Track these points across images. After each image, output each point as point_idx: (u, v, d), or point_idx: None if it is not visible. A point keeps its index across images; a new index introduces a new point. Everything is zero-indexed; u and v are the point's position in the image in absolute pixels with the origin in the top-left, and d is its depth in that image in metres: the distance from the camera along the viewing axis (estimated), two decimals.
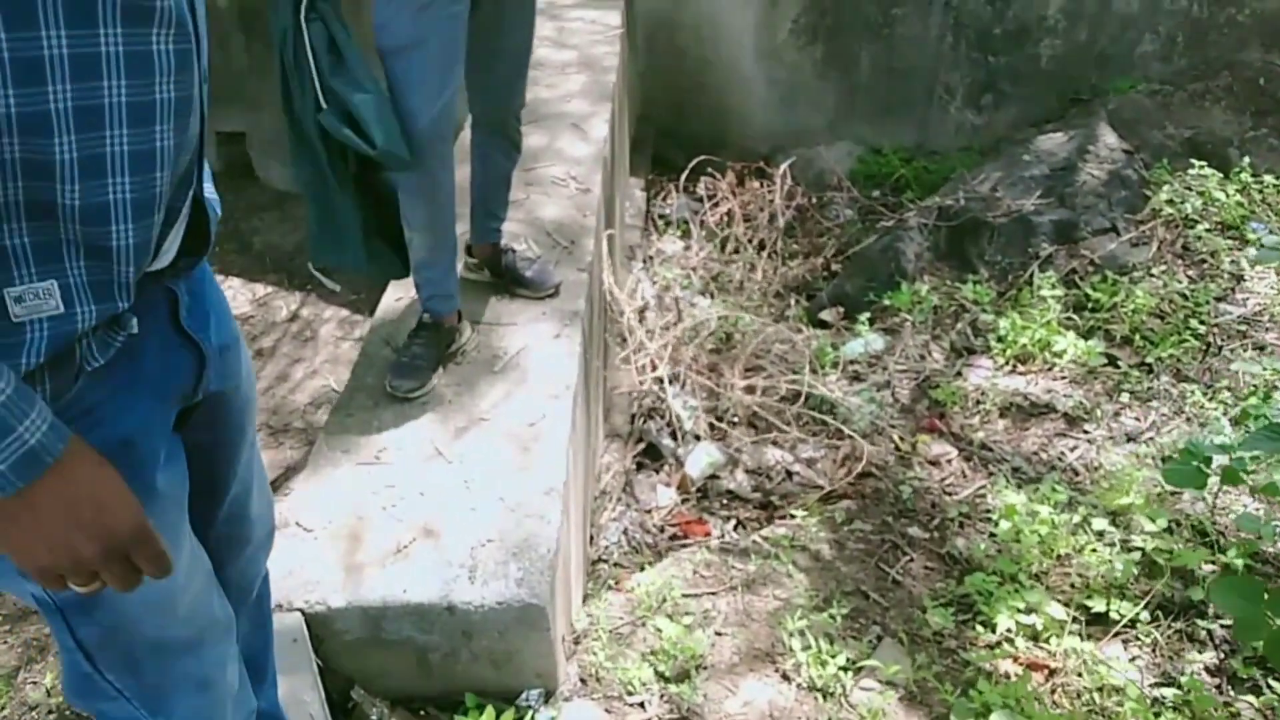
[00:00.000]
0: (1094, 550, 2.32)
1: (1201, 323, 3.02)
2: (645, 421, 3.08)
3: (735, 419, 3.08)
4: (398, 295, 2.44)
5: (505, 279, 2.45)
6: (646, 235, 4.33)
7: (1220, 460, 1.97)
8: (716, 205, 4.26)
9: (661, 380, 3.08)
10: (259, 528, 1.24)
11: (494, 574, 1.67)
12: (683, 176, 4.38)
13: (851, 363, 3.23)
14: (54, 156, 0.73)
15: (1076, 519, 2.42)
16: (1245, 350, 2.95)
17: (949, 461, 2.79)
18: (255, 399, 1.16)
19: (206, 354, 0.99)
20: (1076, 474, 2.69)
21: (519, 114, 2.35)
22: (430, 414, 2.05)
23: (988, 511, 2.55)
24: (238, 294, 5.18)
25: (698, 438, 3.04)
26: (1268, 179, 3.39)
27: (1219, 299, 3.10)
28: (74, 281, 0.79)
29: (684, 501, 2.84)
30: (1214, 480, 1.96)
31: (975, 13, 4.17)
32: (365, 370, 2.19)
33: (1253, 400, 2.65)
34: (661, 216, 4.48)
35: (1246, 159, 3.43)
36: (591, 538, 2.65)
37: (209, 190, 1.00)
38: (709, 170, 4.44)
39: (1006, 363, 3.10)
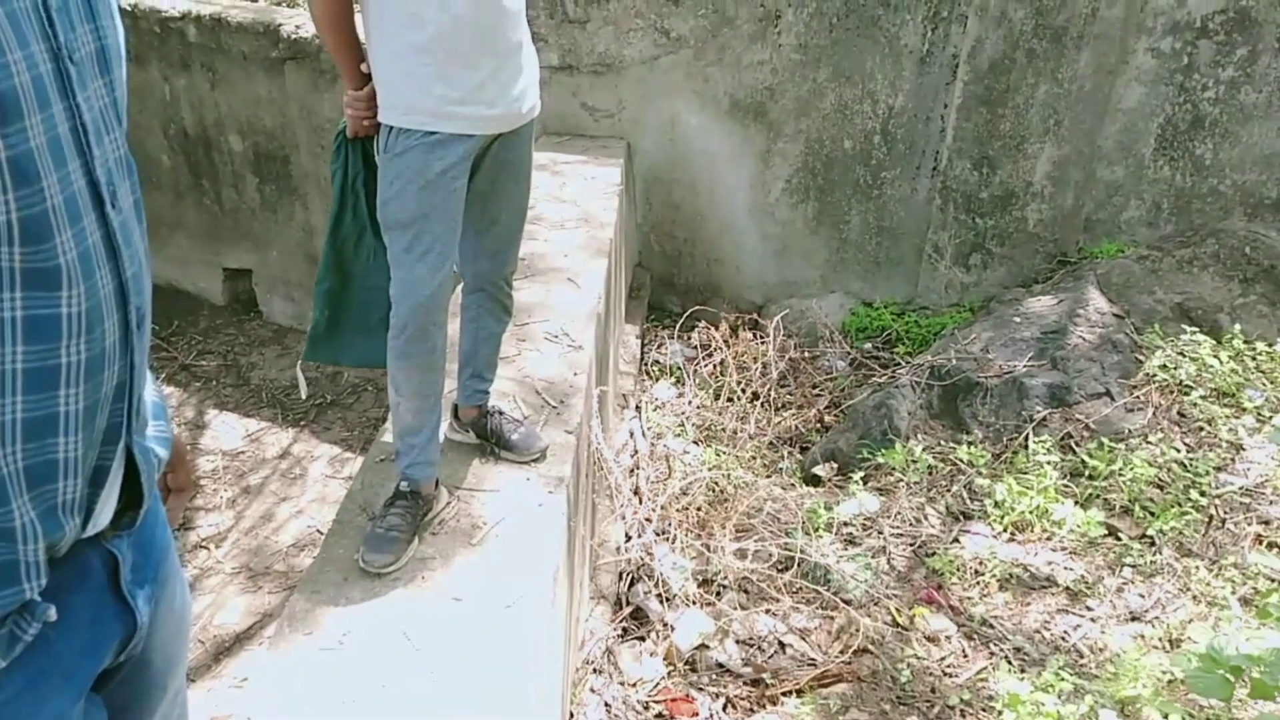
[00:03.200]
0: None
1: (1202, 494, 2.89)
2: (632, 585, 2.91)
3: (725, 583, 2.91)
4: (380, 456, 2.32)
5: (490, 441, 2.34)
6: (640, 382, 4.25)
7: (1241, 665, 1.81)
8: (710, 355, 4.19)
9: (649, 544, 2.93)
10: None
11: None
12: (678, 325, 4.34)
13: (845, 524, 3.08)
14: None
15: (1084, 709, 2.23)
16: (1249, 524, 2.81)
17: (948, 639, 2.61)
18: (185, 649, 1.01)
19: (140, 624, 0.85)
20: (1081, 656, 2.51)
21: (510, 279, 2.30)
22: (401, 590, 1.90)
23: (990, 698, 2.36)
24: (231, 429, 5.06)
25: (687, 600, 2.86)
26: (1260, 346, 3.32)
27: (1219, 469, 2.98)
28: None
29: (670, 674, 2.64)
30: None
31: (962, 178, 4.21)
32: (337, 540, 2.04)
33: (1274, 597, 2.49)
34: (656, 363, 4.42)
35: (1238, 326, 3.37)
36: (571, 715, 2.44)
37: (155, 430, 0.89)
38: (703, 319, 4.41)
39: (1004, 530, 2.95)
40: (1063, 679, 2.35)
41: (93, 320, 0.69)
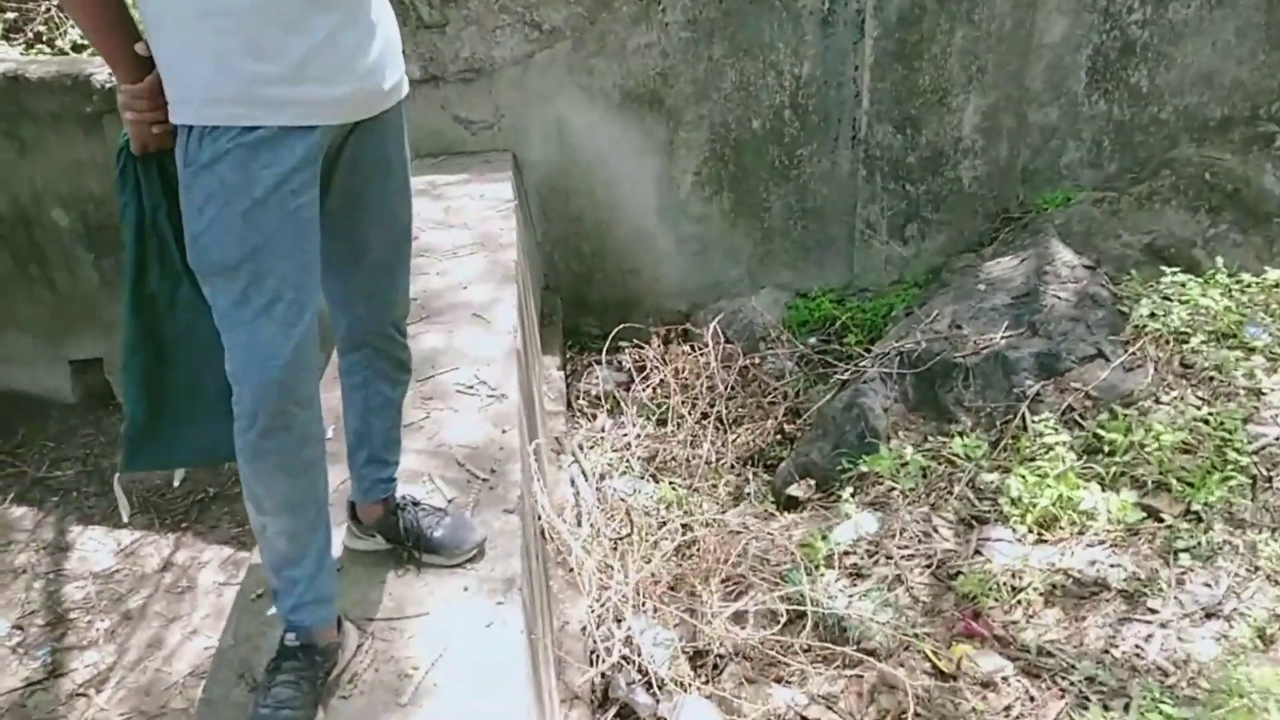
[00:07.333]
0: None
1: (1238, 452, 2.48)
2: (611, 674, 2.32)
3: (722, 653, 2.34)
4: (256, 591, 1.67)
5: (406, 545, 1.71)
6: (571, 420, 3.66)
7: None
8: (646, 376, 3.64)
9: (621, 619, 2.34)
10: None
11: None
12: (604, 350, 3.77)
13: (846, 553, 2.56)
14: None
15: None
16: None
17: (1005, 680, 2.11)
18: None
19: None
20: (1166, 675, 2.04)
21: (402, 324, 1.68)
22: None
23: None
24: (100, 546, 4.23)
25: (680, 684, 2.28)
26: (1247, 277, 2.96)
27: (1246, 420, 2.57)
28: None
29: None
30: None
31: (885, 144, 3.77)
32: None
33: None
34: (585, 394, 3.83)
35: (1219, 259, 3.01)
36: None
37: None
38: (631, 338, 3.85)
39: (1029, 530, 2.48)
40: (1162, 711, 1.87)
41: None
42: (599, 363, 3.81)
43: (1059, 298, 3.02)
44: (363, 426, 1.69)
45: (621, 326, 3.77)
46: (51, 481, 4.66)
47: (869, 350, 3.45)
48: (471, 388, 2.33)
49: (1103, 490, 2.49)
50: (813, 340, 3.85)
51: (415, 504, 1.75)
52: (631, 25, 3.75)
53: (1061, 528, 2.46)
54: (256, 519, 1.41)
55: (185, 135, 1.26)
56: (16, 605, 4.00)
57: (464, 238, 3.22)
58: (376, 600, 1.62)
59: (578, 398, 3.80)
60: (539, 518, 2.18)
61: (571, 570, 2.46)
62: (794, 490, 3.01)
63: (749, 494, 3.15)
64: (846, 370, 3.29)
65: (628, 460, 3.37)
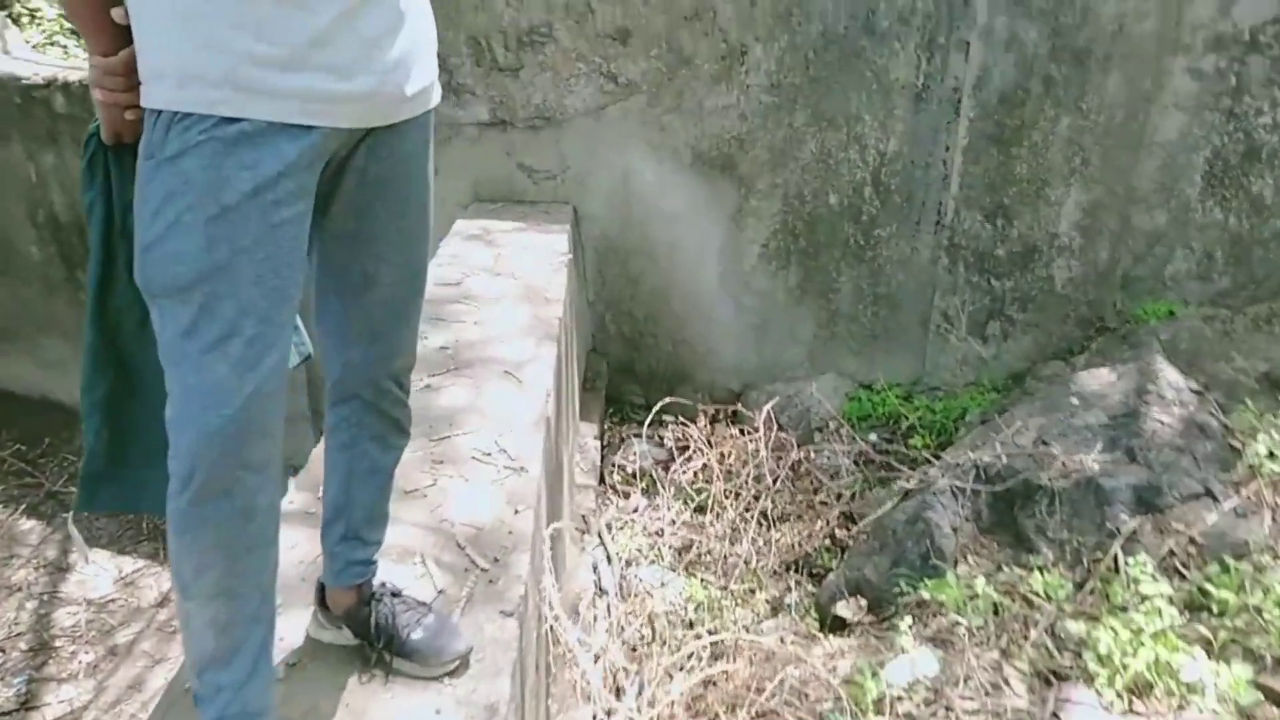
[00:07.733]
0: None
1: None
2: None
3: None
4: (187, 682, 1.39)
5: (376, 646, 1.42)
6: (602, 496, 3.36)
7: None
8: (689, 457, 3.32)
9: None
10: None
11: None
12: (645, 422, 3.47)
13: (899, 698, 2.19)
14: None
15: None
16: None
17: None
18: None
19: None
20: None
21: (405, 379, 1.41)
22: None
23: None
24: (101, 572, 4.01)
25: None
26: None
27: None
28: None
29: None
30: None
31: (972, 233, 3.47)
32: None
33: None
34: (620, 469, 3.53)
35: None
36: None
37: None
38: (676, 413, 3.55)
39: (1118, 697, 2.08)
40: None
41: None
42: (639, 436, 3.51)
43: (1162, 422, 2.65)
44: (342, 496, 1.42)
45: (667, 400, 3.48)
46: (65, 497, 4.49)
47: (937, 456, 3.10)
48: (489, 455, 2.05)
49: (1209, 659, 2.09)
50: (874, 437, 3.51)
51: (395, 595, 1.46)
52: (711, 84, 3.54)
53: (1157, 698, 2.06)
54: (181, 604, 1.14)
55: (152, 121, 1.03)
56: (3, 626, 3.78)
57: (510, 288, 2.98)
58: (329, 712, 1.33)
59: (612, 472, 3.50)
60: (545, 620, 1.87)
61: (575, 673, 2.13)
62: (842, 609, 2.64)
63: (789, 605, 2.79)
64: (911, 477, 2.94)
65: (658, 549, 3.05)
